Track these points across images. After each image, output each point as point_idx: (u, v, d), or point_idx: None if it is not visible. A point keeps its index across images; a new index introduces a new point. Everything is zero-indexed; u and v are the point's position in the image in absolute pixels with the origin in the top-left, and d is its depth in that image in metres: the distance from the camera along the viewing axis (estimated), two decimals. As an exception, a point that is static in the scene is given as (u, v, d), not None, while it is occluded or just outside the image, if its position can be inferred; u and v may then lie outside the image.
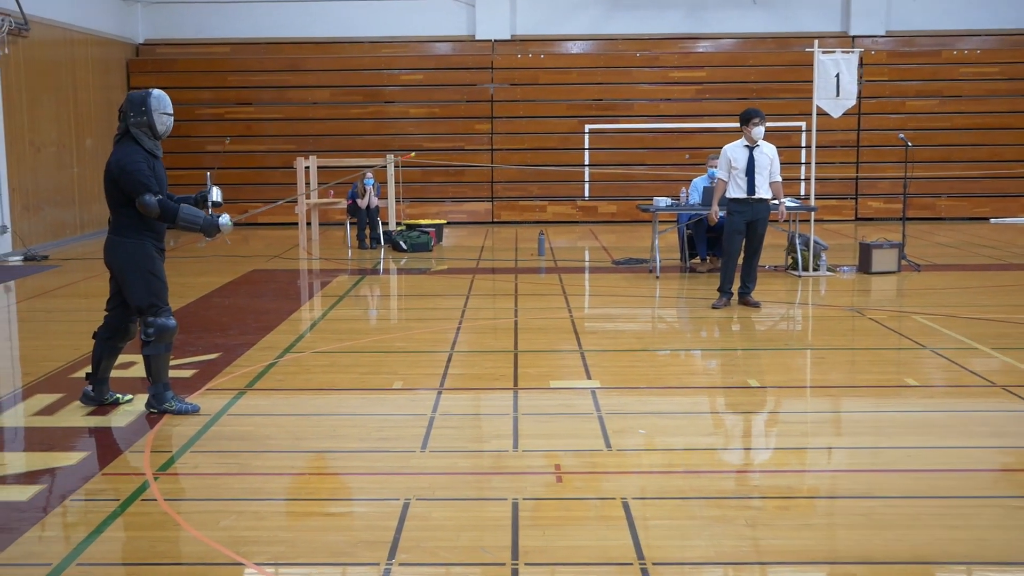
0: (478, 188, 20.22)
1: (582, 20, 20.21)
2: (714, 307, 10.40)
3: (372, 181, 16.00)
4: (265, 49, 20.27)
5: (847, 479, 5.38)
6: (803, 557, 4.37)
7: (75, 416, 6.52)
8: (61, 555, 4.36)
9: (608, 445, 5.87)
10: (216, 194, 6.53)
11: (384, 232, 16.01)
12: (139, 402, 6.63)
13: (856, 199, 20.28)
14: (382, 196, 16.29)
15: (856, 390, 7.31)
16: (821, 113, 12.94)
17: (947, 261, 14.09)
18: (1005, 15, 20.24)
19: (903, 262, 12.91)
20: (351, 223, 16.48)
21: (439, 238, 16.53)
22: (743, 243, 10.53)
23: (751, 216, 10.34)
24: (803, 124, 19.47)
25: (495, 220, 20.24)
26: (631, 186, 19.87)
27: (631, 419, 6.47)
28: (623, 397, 7.03)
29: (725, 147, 10.56)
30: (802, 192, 19.32)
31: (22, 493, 5.14)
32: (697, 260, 13.24)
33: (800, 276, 12.46)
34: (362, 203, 15.92)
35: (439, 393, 7.04)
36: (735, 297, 10.58)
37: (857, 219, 20.16)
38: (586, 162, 20.12)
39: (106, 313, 6.54)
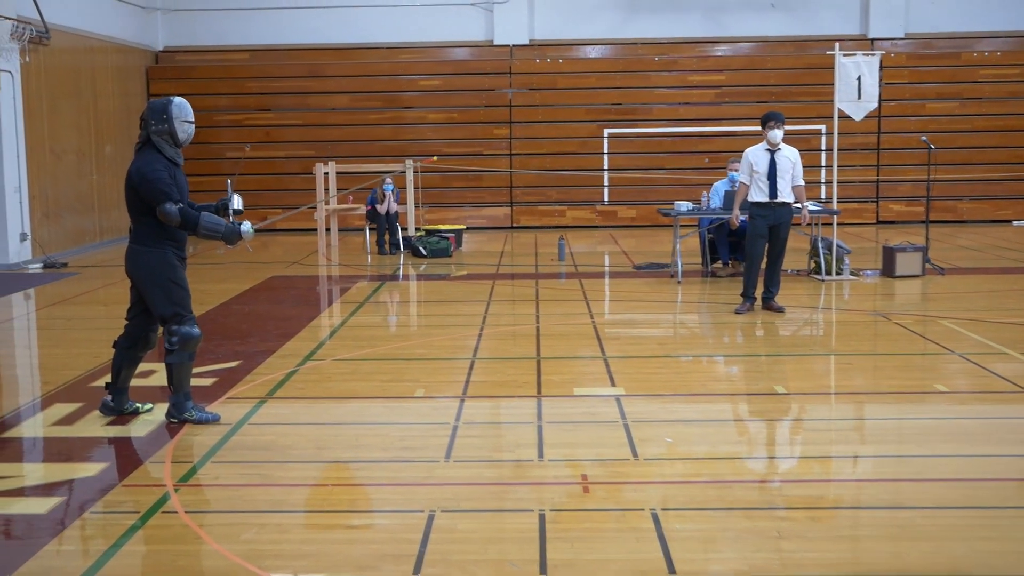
0: (497, 193, 20.16)
1: (600, 24, 20.12)
2: (737, 312, 10.29)
3: (391, 186, 15.96)
4: (284, 55, 20.28)
5: (878, 488, 5.27)
6: (836, 570, 4.27)
7: (94, 426, 6.46)
8: (80, 570, 4.30)
9: (634, 454, 5.78)
10: (237, 201, 6.47)
11: (403, 238, 15.97)
12: (159, 411, 6.58)
13: (877, 202, 20.12)
14: (401, 201, 16.25)
15: (884, 396, 7.19)
16: (842, 116, 12.81)
17: (971, 264, 13.95)
18: (1022, 16, 20.05)
19: (927, 266, 12.76)
20: (370, 229, 16.44)
21: (458, 243, 16.47)
22: (765, 247, 10.42)
23: (773, 220, 10.24)
24: (823, 127, 19.35)
25: (514, 225, 20.18)
26: (650, 190, 19.77)
27: (657, 427, 6.38)
28: (648, 404, 6.94)
29: (746, 151, 10.46)
30: (823, 195, 19.20)
31: (41, 505, 5.08)
32: (719, 264, 13.13)
33: (823, 280, 12.34)
34: (381, 209, 15.88)
35: (462, 401, 6.97)
36: (758, 302, 10.46)
37: (878, 222, 20.01)
38: (605, 166, 20.03)
39: (126, 322, 6.49)
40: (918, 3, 20.01)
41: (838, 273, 12.45)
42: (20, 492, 5.31)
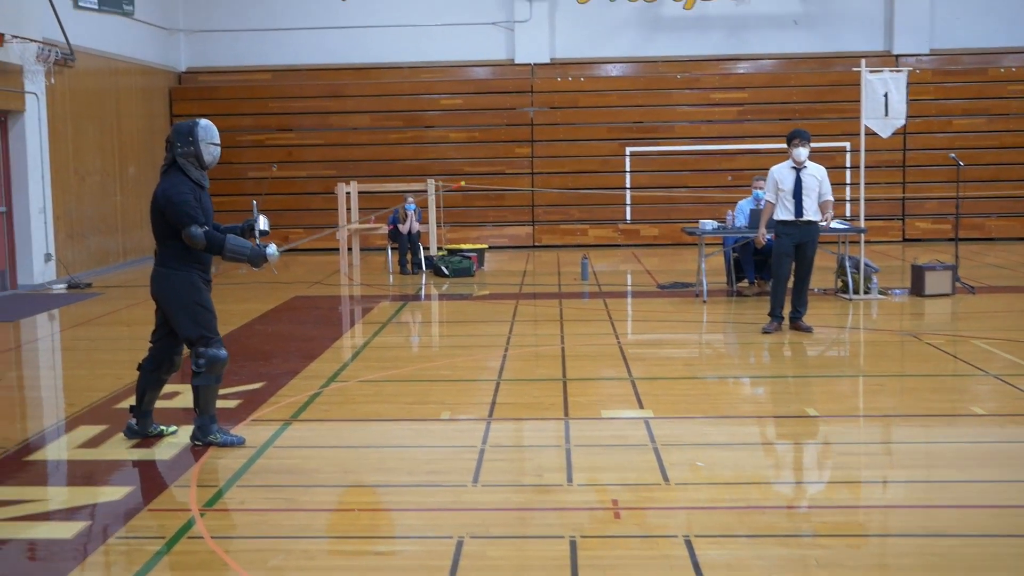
0: (519, 212, 20.10)
1: (622, 42, 20.08)
2: (764, 331, 10.16)
3: (414, 206, 15.92)
4: (305, 75, 20.33)
5: (916, 515, 5.13)
6: (880, 600, 4.14)
7: (119, 448, 6.41)
8: (106, 597, 4.23)
9: (666, 478, 5.66)
10: (263, 223, 6.41)
11: (426, 257, 15.91)
12: (183, 434, 6.51)
13: (903, 220, 19.93)
14: (423, 221, 16.20)
15: (918, 419, 7.03)
16: (868, 133, 12.68)
17: (1001, 283, 13.75)
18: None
19: (957, 284, 12.59)
20: (392, 248, 16.40)
21: (480, 263, 16.40)
22: (792, 266, 10.30)
23: (799, 239, 10.12)
24: (847, 145, 19.20)
25: (536, 244, 20.10)
26: (673, 209, 19.67)
27: (687, 451, 6.26)
28: (677, 427, 6.82)
29: (772, 168, 10.36)
30: (847, 213, 19.03)
31: (66, 530, 5.02)
32: (744, 283, 13.00)
33: (851, 299, 12.18)
34: (404, 228, 15.84)
35: (488, 424, 6.87)
36: (785, 321, 10.33)
37: (904, 240, 19.81)
38: (627, 185, 19.93)
39: (151, 345, 6.44)
40: (943, 19, 19.86)
41: (866, 292, 12.30)
42: (45, 516, 5.26)
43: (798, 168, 10.11)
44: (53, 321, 12.18)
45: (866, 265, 12.44)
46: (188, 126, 6.20)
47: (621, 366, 8.73)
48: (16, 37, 13.67)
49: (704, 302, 12.27)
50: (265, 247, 6.26)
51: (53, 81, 14.91)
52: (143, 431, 6.50)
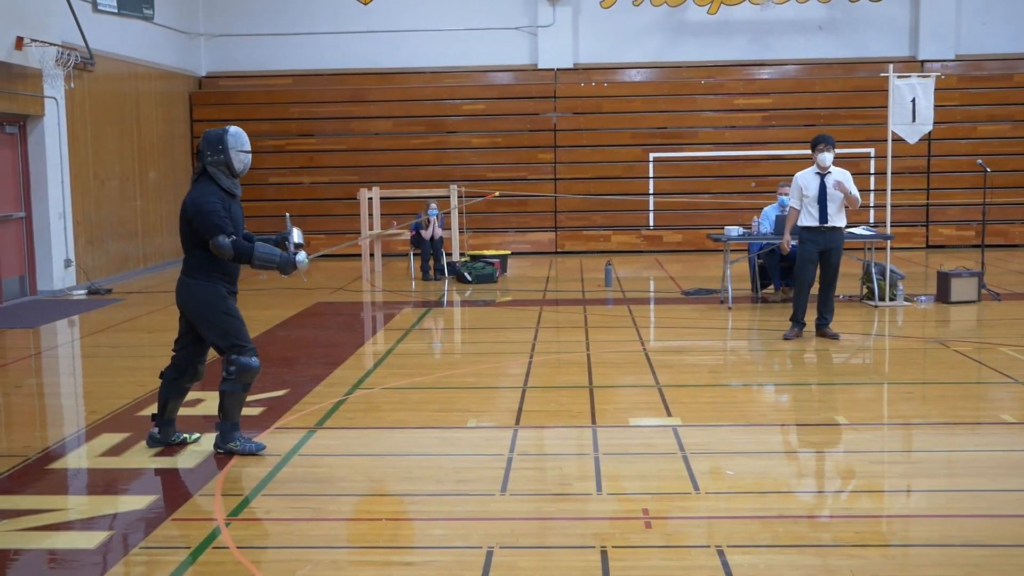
0: (542, 218, 20.04)
1: (646, 48, 20.00)
2: (786, 337, 10.09)
3: (436, 212, 15.89)
4: (327, 80, 20.34)
5: (951, 524, 5.03)
6: (920, 614, 4.06)
7: (142, 457, 6.37)
8: (134, 606, 4.18)
9: (696, 487, 5.59)
10: (297, 235, 6.35)
11: (448, 263, 15.87)
12: (207, 442, 6.47)
13: (927, 226, 19.76)
14: (446, 227, 16.17)
15: (949, 427, 6.93)
16: (895, 139, 12.56)
17: (1024, 290, 13.63)
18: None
19: (983, 291, 12.45)
20: (415, 254, 16.37)
21: (503, 269, 16.34)
22: (816, 273, 10.21)
23: (824, 245, 10.03)
24: (871, 151, 19.07)
25: (559, 250, 20.03)
26: (696, 215, 19.56)
27: (717, 459, 6.18)
28: (706, 435, 6.73)
29: (796, 175, 10.29)
30: (871, 219, 18.89)
31: (88, 540, 4.97)
32: (770, 289, 12.90)
33: (877, 306, 12.06)
34: (426, 234, 15.81)
35: (515, 431, 6.81)
36: (807, 327, 10.23)
37: (928, 246, 19.63)
38: (651, 191, 19.84)
39: (174, 353, 6.40)
40: (968, 25, 19.69)
41: (892, 299, 12.17)
42: (67, 526, 5.22)
43: (822, 174, 10.02)
44: (73, 327, 12.18)
45: (892, 272, 12.32)
46: (218, 134, 6.14)
47: (647, 373, 8.65)
48: (35, 41, 13.70)
49: (729, 308, 12.18)
50: (295, 255, 6.20)
51: (72, 85, 14.94)
52: (165, 439, 6.47)
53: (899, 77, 12.37)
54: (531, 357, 9.43)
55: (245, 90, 20.35)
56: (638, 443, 6.52)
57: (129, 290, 15.19)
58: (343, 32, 20.14)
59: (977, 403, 7.72)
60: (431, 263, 15.88)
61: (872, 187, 19.09)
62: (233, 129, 6.18)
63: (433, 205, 15.98)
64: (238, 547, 4.79)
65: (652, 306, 13.18)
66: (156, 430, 6.48)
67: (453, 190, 16.14)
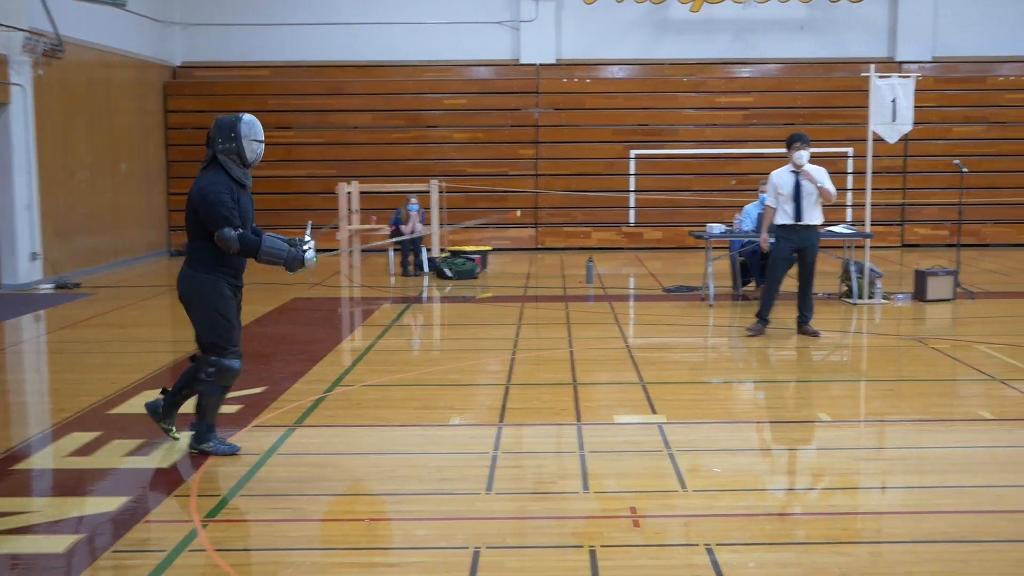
0: (522, 214, 19.93)
1: (628, 44, 19.96)
2: (749, 332, 10.13)
3: (417, 206, 15.78)
4: (306, 72, 20.17)
5: (937, 521, 5.00)
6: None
7: (114, 456, 6.18)
8: (110, 609, 4.07)
9: (683, 485, 5.54)
10: (311, 252, 6.10)
11: (428, 259, 15.77)
12: (184, 443, 6.32)
13: (902, 225, 19.84)
14: (426, 222, 16.06)
15: (931, 424, 6.92)
16: (874, 139, 12.57)
17: (999, 288, 13.72)
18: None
19: (958, 289, 12.52)
20: (395, 250, 16.25)
21: (484, 265, 16.26)
22: (787, 271, 10.26)
23: (798, 243, 10.01)
24: (849, 150, 19.12)
25: (539, 247, 19.96)
26: (677, 212, 19.55)
27: (703, 456, 6.14)
28: (691, 432, 6.69)
29: (772, 173, 10.28)
30: (848, 218, 18.95)
31: (58, 544, 4.79)
32: (752, 286, 12.91)
33: (855, 304, 12.08)
34: (406, 229, 15.69)
35: (499, 429, 6.73)
36: (771, 325, 10.23)
37: (904, 245, 19.71)
38: (631, 188, 19.80)
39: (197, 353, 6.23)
40: (945, 27, 19.79)
41: (870, 297, 12.19)
42: (33, 529, 5.00)
43: (797, 172, 10.00)
44: (39, 323, 11.90)
45: (871, 270, 12.35)
46: (231, 121, 5.95)
47: (631, 370, 8.60)
48: (1, 26, 13.37)
49: (711, 306, 12.16)
50: (304, 251, 6.04)
51: (41, 73, 14.63)
52: (157, 416, 6.29)
53: (880, 77, 12.38)
54: (513, 354, 9.36)
55: (222, 81, 20.14)
56: (623, 440, 6.46)
57: (99, 284, 14.89)
58: (323, 23, 19.96)
59: (956, 400, 7.74)
60: (411, 258, 15.77)
61: (850, 186, 19.14)
62: (247, 117, 6.00)
63: (413, 200, 15.87)
64: (216, 549, 4.67)
65: (633, 303, 13.14)
66: (160, 400, 6.29)
67: (433, 185, 16.03)
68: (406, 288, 14.45)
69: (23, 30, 13.87)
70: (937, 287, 12.32)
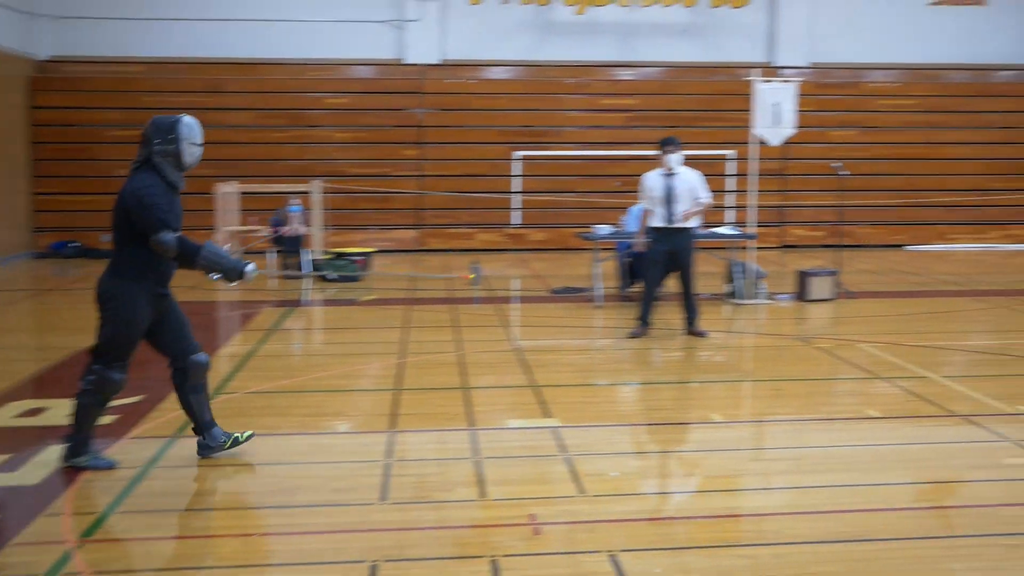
0: (405, 215, 19.71)
1: (513, 46, 19.91)
2: (631, 336, 10.12)
3: (299, 207, 15.39)
4: (183, 69, 19.49)
5: (836, 520, 5.02)
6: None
7: (-26, 474, 5.72)
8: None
9: (582, 490, 5.44)
10: (251, 268, 5.80)
11: (310, 261, 15.39)
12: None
13: (781, 226, 20.31)
14: (307, 224, 15.68)
15: (822, 423, 6.99)
16: (755, 142, 12.79)
17: (875, 288, 14.11)
18: (918, 50, 20.60)
19: (838, 289, 12.83)
20: (278, 252, 15.82)
21: (367, 267, 15.95)
22: (664, 272, 10.35)
23: (671, 246, 10.06)
24: (730, 152, 19.45)
25: (423, 248, 19.73)
26: (561, 214, 19.59)
27: (600, 460, 6.06)
28: (587, 435, 6.61)
29: (643, 175, 10.32)
30: (725, 219, 19.26)
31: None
32: (639, 287, 12.95)
33: (740, 304, 12.25)
34: (286, 231, 15.29)
35: (391, 436, 6.52)
36: (652, 327, 10.27)
37: (783, 246, 20.18)
38: (516, 189, 19.76)
39: (167, 358, 5.94)
40: (821, 34, 20.35)
41: (754, 297, 12.39)
42: None
43: (669, 175, 10.05)
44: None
45: (755, 271, 12.55)
46: (170, 122, 5.66)
47: (522, 373, 8.48)
48: None
49: (599, 307, 12.15)
50: (245, 264, 5.76)
51: None
52: (214, 443, 5.95)
53: (763, 81, 12.60)
54: (402, 358, 9.14)
55: (93, 76, 19.30)
56: (519, 445, 6.34)
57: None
58: (201, 19, 19.30)
59: (844, 398, 7.86)
60: (292, 261, 15.37)
61: (731, 188, 19.46)
62: (187, 119, 5.72)
63: (294, 201, 15.48)
64: (93, 572, 4.35)
65: (521, 305, 13.06)
66: (201, 438, 5.97)
67: (315, 186, 15.66)
68: (287, 292, 14.06)
69: None
70: (819, 287, 12.59)
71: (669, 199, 9.97)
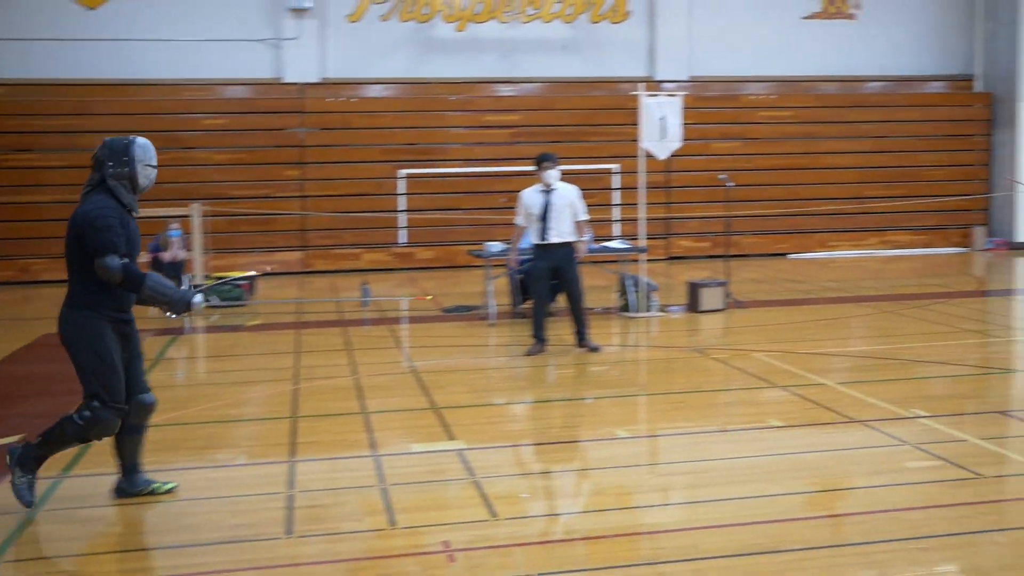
0: (289, 237, 19.28)
1: (395, 63, 19.73)
2: (528, 354, 10.04)
3: (178, 232, 14.90)
4: (50, 91, 18.67)
5: (751, 532, 5.00)
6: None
7: None
8: None
9: (494, 513, 5.32)
10: (199, 298, 5.57)
11: (193, 286, 14.90)
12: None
13: (667, 238, 20.59)
14: (187, 248, 15.19)
15: (729, 434, 7.05)
16: (638, 155, 12.94)
17: (762, 297, 14.35)
18: (792, 63, 21.20)
19: (728, 300, 13.02)
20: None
21: (252, 291, 15.53)
22: (551, 288, 10.36)
23: (555, 261, 10.06)
24: (615, 166, 19.66)
25: (308, 270, 19.35)
26: (448, 231, 19.47)
27: (509, 482, 5.97)
28: (493, 456, 6.51)
29: (521, 192, 10.32)
30: (615, 232, 19.46)
31: None
32: (531, 304, 12.92)
33: (633, 317, 12.32)
34: (166, 257, 14.78)
35: (292, 466, 6.29)
36: (549, 344, 10.22)
37: (670, 258, 20.45)
38: (402, 208, 19.56)
39: None
40: (699, 48, 20.74)
41: (647, 310, 12.48)
42: None
43: (548, 191, 10.06)
44: None
45: (646, 283, 12.64)
46: (123, 144, 5.43)
47: (421, 395, 8.33)
48: None
49: (492, 324, 12.07)
50: (192, 294, 5.51)
51: None
52: (131, 489, 5.64)
53: (649, 96, 12.74)
54: (295, 384, 8.88)
55: (-52, 99, 18.34)
56: (425, 470, 6.18)
57: None
58: (67, 39, 18.52)
59: (746, 408, 7.91)
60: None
61: (617, 202, 19.67)
62: (141, 140, 5.51)
63: (173, 225, 14.98)
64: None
65: (413, 325, 12.89)
66: (121, 479, 5.64)
67: (195, 209, 15.19)
68: (169, 319, 13.50)
69: None
70: (709, 298, 12.74)
71: (548, 215, 9.96)
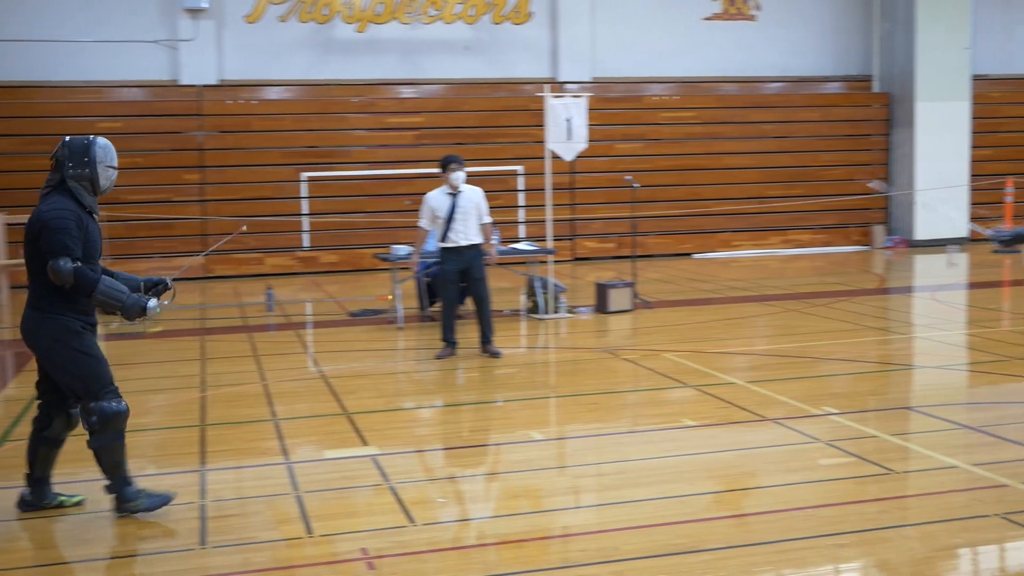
0: (189, 242, 18.83)
1: (295, 64, 19.44)
2: (438, 358, 10.02)
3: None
4: (-69, 94, 17.95)
5: (670, 532, 5.06)
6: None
7: None
8: None
9: (411, 519, 5.28)
10: (153, 303, 5.43)
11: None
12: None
13: (572, 240, 20.74)
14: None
15: (643, 435, 7.11)
16: (543, 157, 13.02)
17: (669, 297, 14.53)
18: (694, 64, 21.55)
19: (635, 300, 13.17)
20: (49, 285, 14.75)
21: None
22: (460, 291, 10.39)
23: (462, 264, 10.07)
24: (519, 168, 19.72)
25: (209, 275, 18.94)
26: (352, 234, 19.28)
27: (424, 487, 5.94)
28: (407, 462, 6.48)
29: (426, 195, 10.29)
30: (521, 234, 19.53)
31: None
32: (437, 307, 12.88)
33: (542, 319, 12.38)
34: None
35: (203, 475, 6.15)
36: (454, 346, 10.20)
37: (575, 260, 20.60)
38: (304, 211, 19.31)
39: (37, 400, 5.46)
40: (602, 50, 20.92)
41: (555, 312, 12.55)
42: None
43: (454, 193, 10.08)
44: None
45: (554, 285, 12.71)
46: (83, 144, 5.25)
47: (332, 400, 8.24)
48: None
49: (400, 328, 12.00)
50: (147, 299, 5.35)
51: None
52: (38, 503, 5.43)
53: (554, 97, 12.82)
54: (203, 391, 8.69)
55: None
56: (339, 477, 6.11)
57: None
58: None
59: (658, 409, 7.98)
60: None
61: (522, 204, 19.74)
62: (101, 141, 5.34)
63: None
64: None
65: (320, 330, 12.72)
66: (27, 491, 5.43)
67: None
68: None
69: None
70: (617, 299, 12.84)
71: (455, 217, 9.96)
